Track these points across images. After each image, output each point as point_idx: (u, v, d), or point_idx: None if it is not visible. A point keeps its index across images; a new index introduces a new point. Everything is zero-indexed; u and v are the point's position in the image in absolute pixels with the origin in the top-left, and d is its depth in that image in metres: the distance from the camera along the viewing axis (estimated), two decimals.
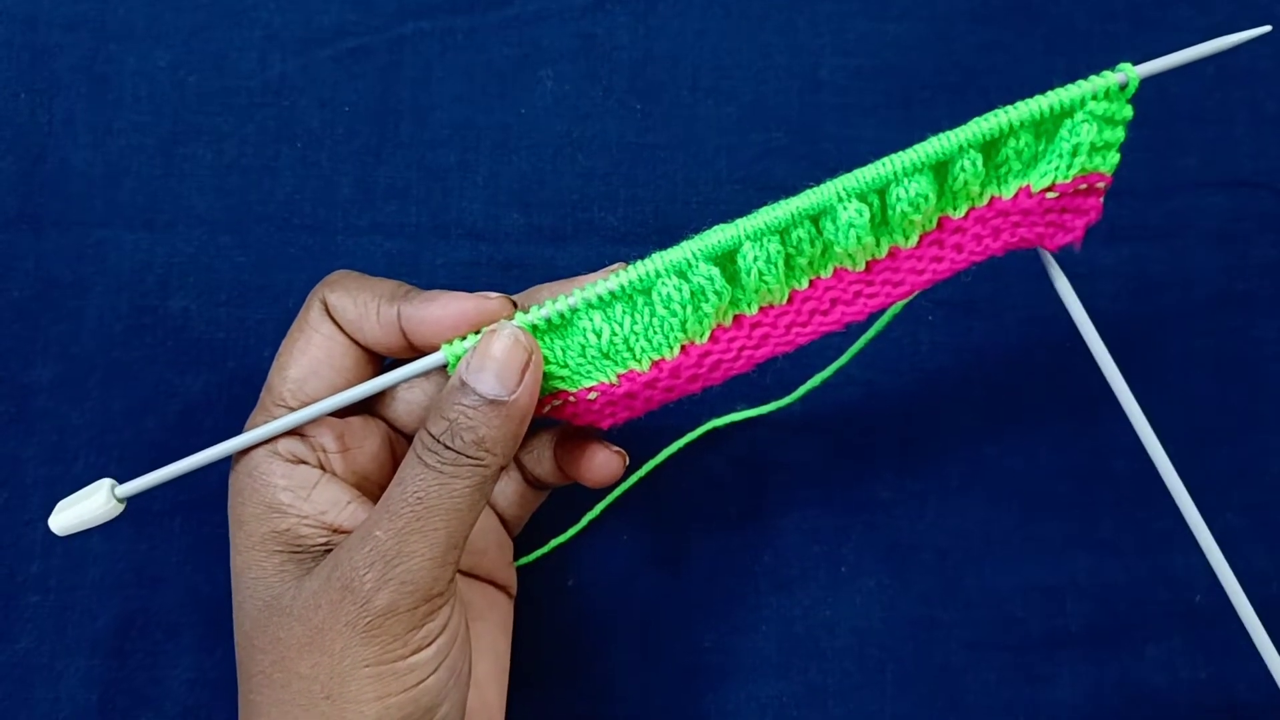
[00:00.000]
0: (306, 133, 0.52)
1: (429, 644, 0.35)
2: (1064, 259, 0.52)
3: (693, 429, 0.49)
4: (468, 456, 0.35)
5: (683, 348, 0.38)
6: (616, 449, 0.43)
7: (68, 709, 0.48)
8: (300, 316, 0.39)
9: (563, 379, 0.38)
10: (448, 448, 0.35)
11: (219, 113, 0.52)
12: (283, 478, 0.37)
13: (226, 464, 0.39)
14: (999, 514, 0.51)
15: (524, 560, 0.48)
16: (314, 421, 0.38)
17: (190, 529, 0.49)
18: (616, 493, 0.49)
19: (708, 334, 0.38)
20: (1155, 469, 0.51)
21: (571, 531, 0.48)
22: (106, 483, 0.38)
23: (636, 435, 0.46)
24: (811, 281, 0.38)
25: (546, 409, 0.39)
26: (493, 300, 0.37)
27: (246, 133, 0.52)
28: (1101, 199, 0.38)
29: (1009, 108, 0.36)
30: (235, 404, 0.50)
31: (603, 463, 0.42)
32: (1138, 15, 0.54)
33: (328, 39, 0.53)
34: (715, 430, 0.49)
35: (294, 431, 0.38)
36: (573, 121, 0.53)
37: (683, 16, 0.54)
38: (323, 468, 0.38)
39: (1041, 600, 0.50)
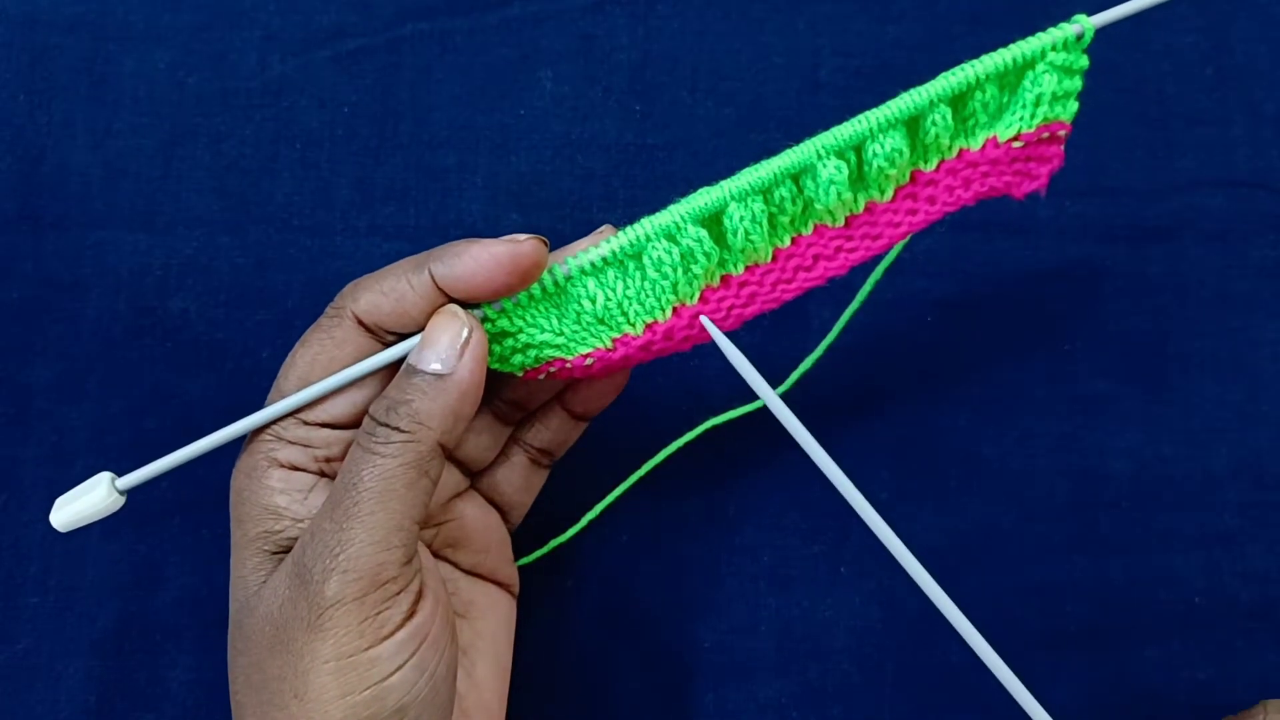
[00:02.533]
0: (305, 133, 0.52)
1: (387, 636, 0.34)
2: (1063, 261, 0.53)
3: (691, 429, 0.49)
4: (400, 430, 0.35)
5: (674, 309, 0.39)
6: None
7: (67, 710, 0.48)
8: (314, 330, 0.38)
9: (558, 347, 0.39)
10: (381, 424, 0.35)
11: (218, 113, 0.52)
12: (279, 481, 0.37)
13: (227, 466, 0.39)
14: (998, 514, 0.51)
15: (524, 561, 0.48)
16: (322, 434, 0.38)
17: (190, 529, 0.49)
18: (616, 493, 0.49)
19: (697, 295, 0.39)
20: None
21: (571, 531, 0.48)
22: (106, 476, 0.38)
23: (636, 435, 0.46)
24: (794, 239, 0.40)
25: (542, 375, 0.40)
26: (524, 241, 0.36)
27: (245, 134, 0.52)
28: (1063, 147, 0.40)
29: (975, 61, 0.38)
30: (234, 405, 0.50)
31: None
32: (1137, 17, 0.54)
33: (327, 40, 0.53)
34: (714, 430, 0.49)
35: (299, 443, 0.38)
36: (572, 122, 0.53)
37: (682, 17, 0.54)
38: (322, 473, 0.38)
39: (1040, 601, 0.50)
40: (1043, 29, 0.54)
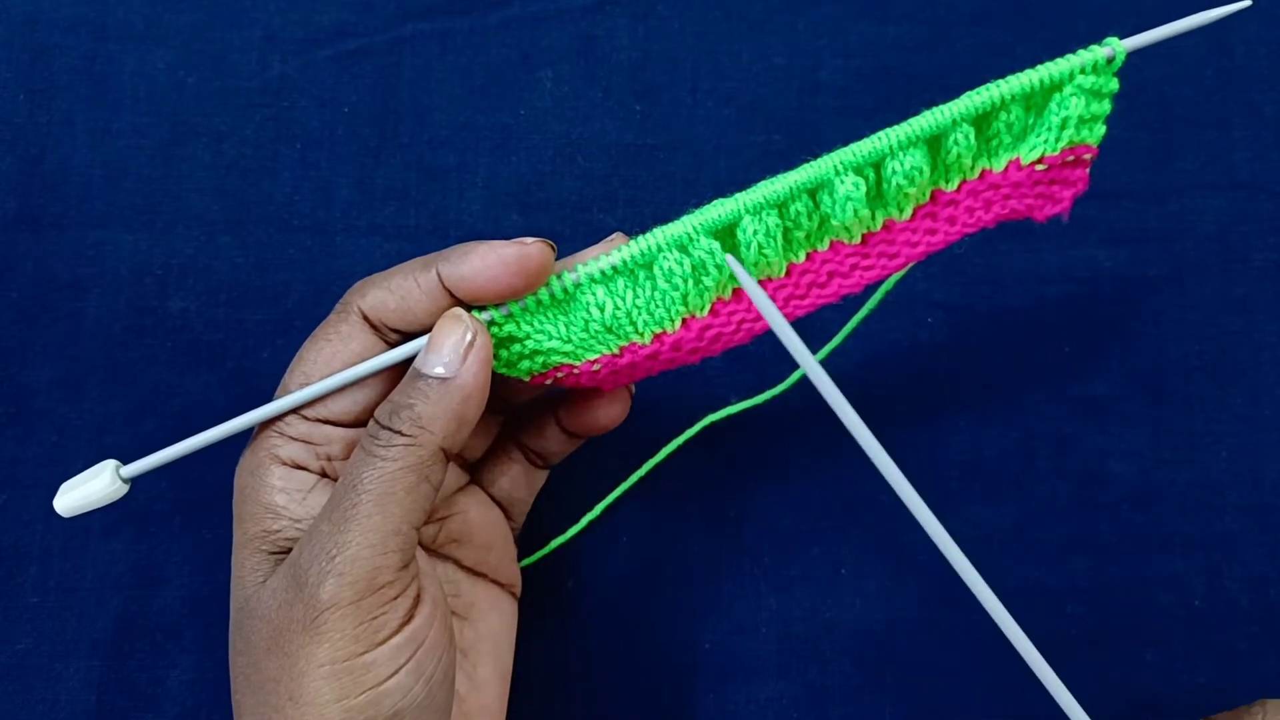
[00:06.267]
0: (306, 133, 0.52)
1: (383, 641, 0.34)
2: (1063, 263, 0.53)
3: (690, 427, 0.49)
4: (402, 434, 0.35)
5: (684, 321, 0.39)
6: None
7: (67, 710, 0.48)
8: (322, 327, 0.38)
9: (566, 354, 0.39)
10: (384, 427, 0.35)
11: (218, 113, 0.52)
12: (280, 479, 0.37)
13: (230, 466, 0.39)
14: (998, 516, 0.51)
15: (526, 562, 0.48)
16: (324, 431, 0.38)
17: (190, 529, 0.49)
18: (616, 493, 0.49)
19: (708, 307, 0.39)
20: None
21: (571, 531, 0.48)
22: (110, 464, 0.38)
23: (636, 435, 0.46)
24: (809, 255, 0.39)
25: (550, 381, 0.39)
26: (531, 244, 0.36)
27: (246, 133, 0.52)
28: (1088, 170, 0.39)
29: (1000, 81, 0.37)
30: (235, 404, 0.50)
31: (609, 401, 0.42)
32: (1138, 18, 0.54)
33: (327, 40, 0.53)
34: (714, 431, 0.49)
35: (302, 439, 0.38)
36: (572, 123, 0.53)
37: (682, 18, 0.54)
38: (324, 474, 0.38)
39: (1041, 603, 0.50)
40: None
